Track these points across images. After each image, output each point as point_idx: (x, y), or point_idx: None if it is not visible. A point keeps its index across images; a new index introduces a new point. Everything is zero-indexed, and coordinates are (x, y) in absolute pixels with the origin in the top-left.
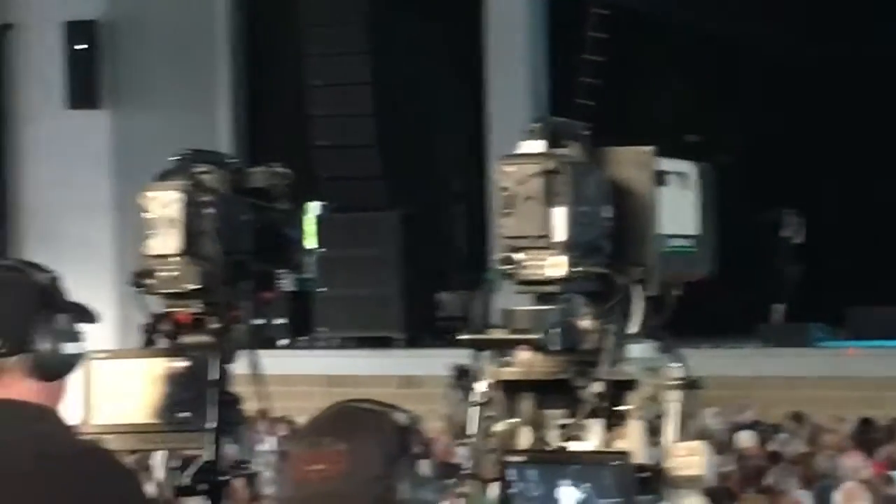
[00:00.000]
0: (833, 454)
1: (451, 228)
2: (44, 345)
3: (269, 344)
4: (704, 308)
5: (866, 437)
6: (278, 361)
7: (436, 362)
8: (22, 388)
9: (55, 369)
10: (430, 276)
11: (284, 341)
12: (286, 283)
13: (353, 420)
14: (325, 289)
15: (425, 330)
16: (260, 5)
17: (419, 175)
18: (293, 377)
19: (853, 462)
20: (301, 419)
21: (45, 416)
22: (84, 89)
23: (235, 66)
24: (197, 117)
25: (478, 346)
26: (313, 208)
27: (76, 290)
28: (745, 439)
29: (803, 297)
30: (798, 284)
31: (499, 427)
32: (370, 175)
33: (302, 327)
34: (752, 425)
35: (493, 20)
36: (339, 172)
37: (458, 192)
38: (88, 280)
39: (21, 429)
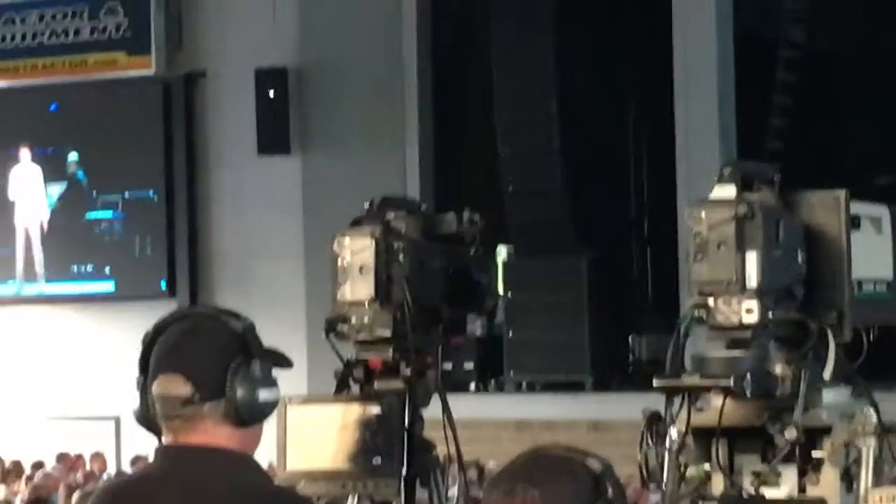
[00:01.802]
0: None
1: (640, 272)
2: (239, 391)
3: (459, 388)
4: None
5: None
6: (467, 405)
7: (625, 406)
8: (218, 434)
9: (251, 415)
10: (619, 319)
11: (473, 386)
12: (475, 327)
13: (546, 466)
14: (513, 333)
15: (614, 374)
16: (449, 50)
17: (607, 219)
18: (482, 421)
19: None
20: (490, 464)
21: (242, 462)
22: (274, 135)
23: (424, 110)
24: (386, 162)
25: (671, 391)
26: (502, 253)
27: (267, 335)
28: None
29: None
30: None
31: (692, 473)
32: (558, 219)
33: (490, 371)
34: None
35: (682, 63)
36: (528, 217)
37: (648, 236)
38: (279, 325)
39: (218, 474)
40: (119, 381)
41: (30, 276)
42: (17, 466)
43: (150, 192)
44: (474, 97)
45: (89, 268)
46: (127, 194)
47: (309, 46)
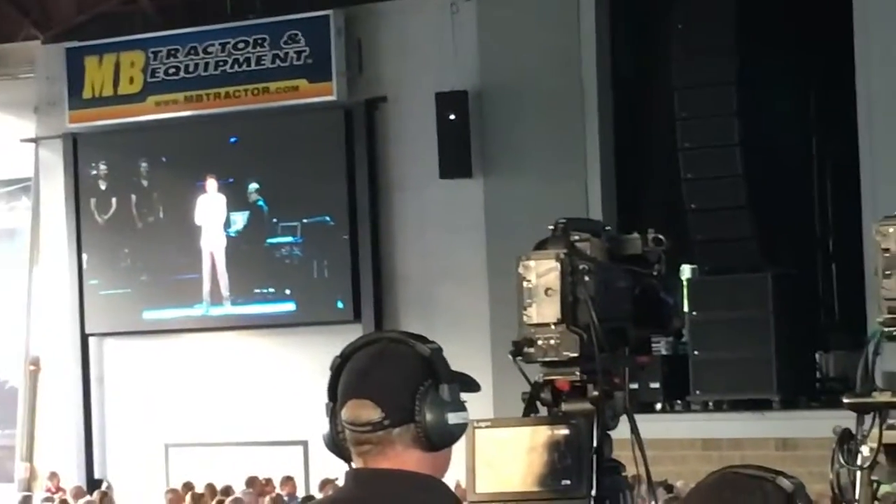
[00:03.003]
0: None
1: (826, 288)
2: (429, 415)
3: (645, 408)
4: None
5: None
6: (654, 425)
7: (813, 424)
8: (407, 458)
9: (440, 439)
10: (806, 336)
11: (660, 405)
12: (661, 347)
13: (738, 486)
14: (698, 352)
15: (802, 391)
16: (629, 70)
17: (792, 235)
18: (669, 441)
19: None
20: (678, 483)
21: (432, 486)
22: (456, 159)
23: (605, 132)
24: (568, 184)
25: (862, 409)
26: (686, 272)
27: (452, 358)
28: None
29: None
30: None
31: (885, 490)
32: (742, 236)
33: (677, 391)
34: None
35: (865, 77)
36: (711, 235)
37: (833, 252)
38: (463, 349)
39: (409, 498)
40: (307, 405)
41: (216, 298)
42: (210, 490)
43: (327, 217)
44: (654, 117)
45: (271, 290)
46: (305, 220)
47: (488, 70)
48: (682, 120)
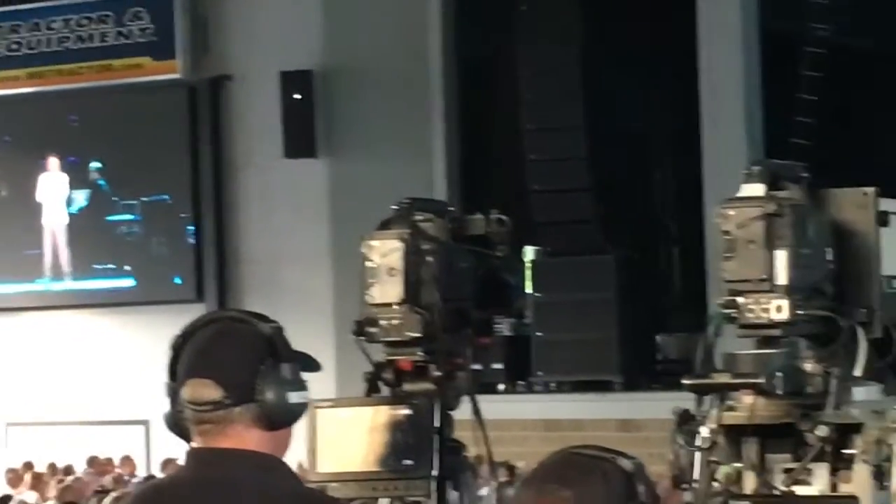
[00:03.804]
0: None
1: (668, 271)
2: (269, 394)
3: (488, 389)
4: None
5: None
6: (496, 406)
7: (654, 406)
8: (248, 437)
9: (281, 419)
10: (648, 318)
11: (502, 386)
12: (503, 328)
13: (578, 467)
14: (541, 333)
15: (643, 373)
16: (474, 52)
17: (634, 218)
18: (511, 422)
19: None
20: (520, 464)
21: (272, 465)
22: (300, 138)
23: (450, 113)
24: (413, 164)
25: (702, 390)
26: (529, 253)
27: (295, 338)
28: None
29: None
30: None
31: (723, 471)
32: (585, 218)
33: (519, 372)
34: None
35: (708, 62)
36: (555, 217)
37: (674, 234)
38: (307, 329)
39: (249, 478)
40: (148, 384)
41: (57, 273)
42: (51, 469)
43: (165, 196)
44: (500, 99)
45: (111, 266)
46: (144, 198)
47: (334, 49)
48: (526, 102)
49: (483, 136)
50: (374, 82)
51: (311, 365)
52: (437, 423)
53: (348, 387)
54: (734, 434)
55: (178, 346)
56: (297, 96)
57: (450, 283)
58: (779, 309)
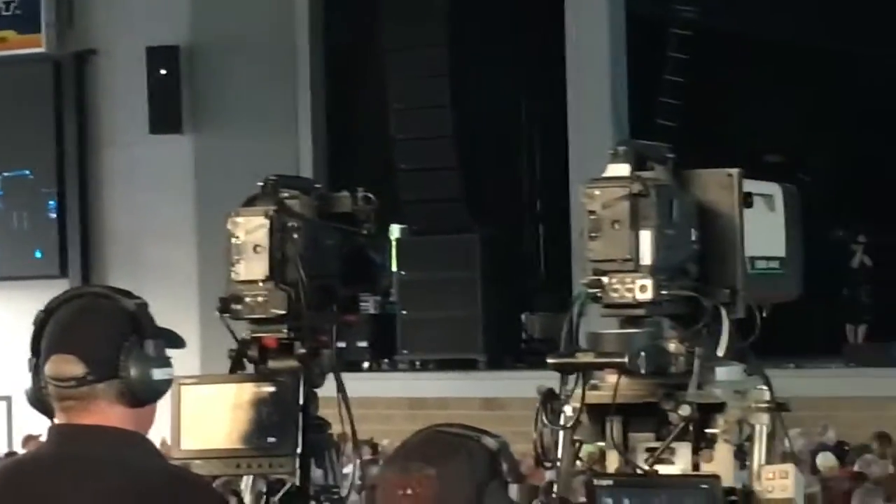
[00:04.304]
0: None
1: (533, 250)
2: (133, 371)
3: (353, 367)
4: (786, 329)
5: None
6: (361, 384)
7: (519, 384)
8: (111, 414)
9: (144, 395)
10: (512, 297)
11: (367, 364)
12: (369, 306)
13: (442, 445)
14: (406, 311)
15: (507, 352)
16: (341, 30)
17: (501, 197)
18: (375, 400)
19: None
20: (384, 442)
21: (135, 442)
22: (166, 114)
23: (317, 91)
24: (279, 142)
25: (566, 369)
26: (395, 231)
27: (160, 315)
28: (828, 460)
29: (888, 317)
30: (874, 305)
31: (586, 450)
32: (451, 197)
33: (384, 350)
34: (835, 446)
35: (574, 42)
36: (421, 195)
37: (540, 214)
38: (172, 305)
39: (112, 454)
40: (10, 360)
41: None
42: None
43: (27, 171)
44: (367, 77)
45: None
46: (6, 173)
47: (201, 25)
48: (393, 80)
49: (350, 114)
50: (240, 58)
51: (176, 341)
52: (301, 401)
53: (213, 364)
54: (598, 413)
55: (41, 322)
56: (163, 72)
57: (315, 261)
58: (643, 289)
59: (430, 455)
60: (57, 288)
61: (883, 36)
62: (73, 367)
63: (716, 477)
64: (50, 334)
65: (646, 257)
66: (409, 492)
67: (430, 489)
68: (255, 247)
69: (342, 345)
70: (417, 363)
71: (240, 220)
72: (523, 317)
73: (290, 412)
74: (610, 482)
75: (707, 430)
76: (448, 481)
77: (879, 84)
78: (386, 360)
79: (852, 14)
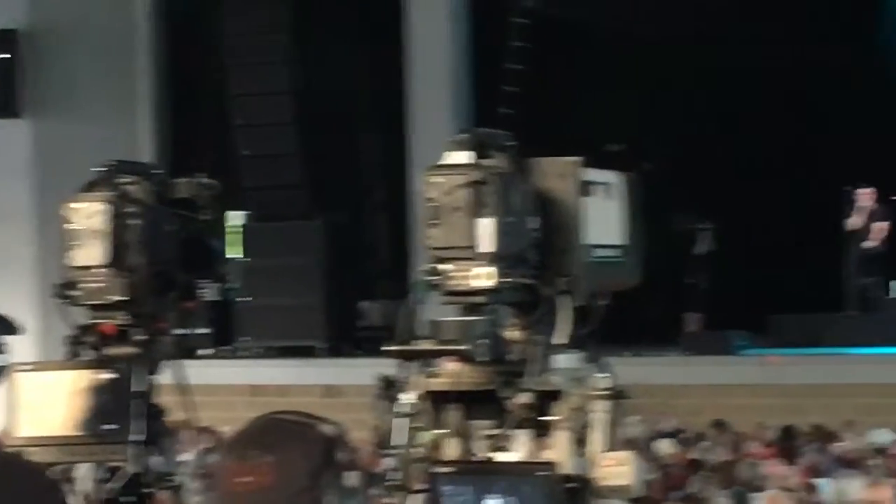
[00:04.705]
0: (755, 462)
1: (374, 238)
2: None
3: (192, 354)
4: (626, 317)
5: (788, 444)
6: (201, 371)
7: (359, 372)
8: None
9: None
10: (353, 285)
11: (207, 351)
12: (209, 292)
13: (280, 432)
14: (248, 298)
15: (348, 339)
16: (182, 15)
17: (342, 184)
18: (216, 387)
19: (778, 470)
20: (225, 429)
21: None
22: (4, 99)
23: (158, 76)
24: (119, 127)
25: (405, 356)
26: (236, 217)
27: None
28: (667, 447)
29: (725, 305)
30: (711, 294)
31: (425, 437)
32: (293, 184)
33: (224, 337)
34: (673, 433)
35: (416, 30)
36: (262, 182)
37: (381, 202)
38: (9, 291)
39: None
40: None
41: None
42: None
43: None
44: (208, 63)
45: None
46: None
47: (40, 8)
48: (234, 67)
49: (191, 100)
50: (80, 42)
51: (10, 328)
52: (139, 388)
53: (53, 351)
54: (437, 400)
55: None
56: (3, 56)
57: (154, 247)
58: (482, 276)
59: (268, 443)
60: None
61: (720, 25)
62: None
63: (553, 464)
64: None
65: (486, 245)
66: (247, 479)
67: (267, 476)
68: (94, 233)
69: (182, 331)
70: (258, 350)
71: (77, 205)
72: (363, 304)
73: (128, 399)
74: (449, 469)
75: (546, 418)
76: (285, 468)
77: (716, 73)
78: (226, 347)
79: (690, 4)
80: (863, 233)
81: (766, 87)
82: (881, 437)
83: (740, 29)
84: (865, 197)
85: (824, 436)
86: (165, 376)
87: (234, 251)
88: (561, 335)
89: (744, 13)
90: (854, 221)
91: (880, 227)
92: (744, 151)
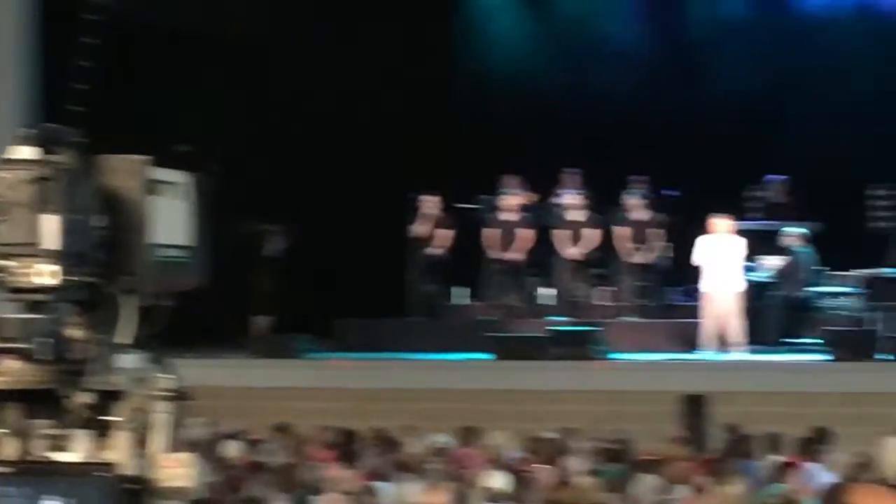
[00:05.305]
0: (316, 465)
1: None
2: None
3: None
4: (193, 319)
5: (349, 447)
6: None
7: None
8: None
9: None
10: None
11: None
12: None
13: None
14: None
15: None
16: None
17: None
18: None
19: (337, 473)
20: None
21: None
22: None
23: None
24: None
25: None
26: None
27: None
28: (231, 449)
29: (292, 309)
30: (279, 297)
31: None
32: None
33: None
34: (236, 435)
35: None
36: None
37: None
38: None
39: None
40: None
41: None
42: None
43: None
44: None
45: None
46: None
47: None
48: None
49: None
50: None
51: None
52: None
53: None
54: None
55: None
56: None
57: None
58: (46, 274)
59: None
60: None
61: (293, 27)
62: None
63: (112, 464)
64: None
65: (50, 242)
66: None
67: None
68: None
69: None
70: None
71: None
72: None
73: None
74: (8, 470)
75: (106, 418)
76: None
77: (293, 74)
78: None
79: (271, 6)
80: (427, 240)
81: (325, 90)
82: (440, 441)
83: (315, 32)
84: (430, 204)
85: (385, 440)
86: None
87: None
88: (124, 335)
89: (318, 16)
90: (419, 228)
91: (444, 235)
92: (315, 155)
